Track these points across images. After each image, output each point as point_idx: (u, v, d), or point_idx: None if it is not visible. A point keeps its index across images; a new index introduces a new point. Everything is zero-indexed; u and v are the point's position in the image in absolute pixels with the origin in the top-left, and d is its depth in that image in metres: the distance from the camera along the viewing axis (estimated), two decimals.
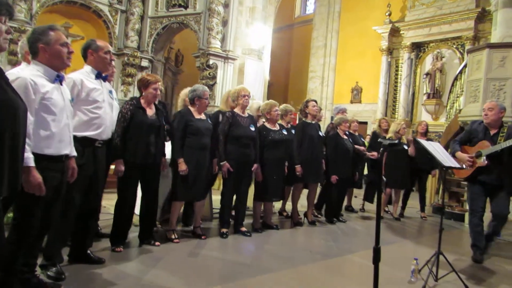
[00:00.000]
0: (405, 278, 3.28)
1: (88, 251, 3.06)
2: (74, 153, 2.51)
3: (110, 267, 3.01)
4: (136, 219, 3.72)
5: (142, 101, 3.51)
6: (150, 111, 3.53)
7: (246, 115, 4.37)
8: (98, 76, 2.97)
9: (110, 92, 3.11)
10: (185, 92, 4.36)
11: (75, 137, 2.60)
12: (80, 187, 2.79)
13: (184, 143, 3.82)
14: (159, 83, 3.59)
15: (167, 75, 13.75)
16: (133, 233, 3.69)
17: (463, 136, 4.19)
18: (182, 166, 3.76)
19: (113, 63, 3.12)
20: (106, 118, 2.97)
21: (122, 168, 3.32)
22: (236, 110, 4.34)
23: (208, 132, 3.98)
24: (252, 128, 4.30)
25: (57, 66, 2.34)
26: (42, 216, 2.22)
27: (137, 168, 3.42)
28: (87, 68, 2.96)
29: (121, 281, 2.77)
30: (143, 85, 3.52)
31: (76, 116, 2.78)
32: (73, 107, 2.63)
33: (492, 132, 3.95)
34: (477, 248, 4.03)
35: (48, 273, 2.66)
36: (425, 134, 6.42)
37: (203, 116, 4.02)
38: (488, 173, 3.88)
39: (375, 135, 6.54)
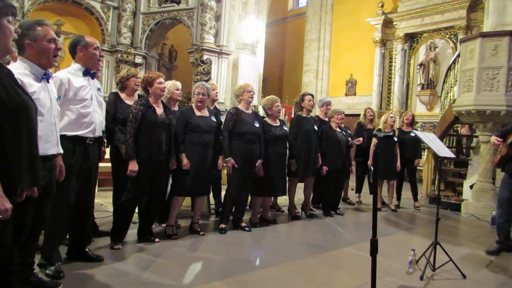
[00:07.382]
0: (403, 269, 3.30)
1: (86, 249, 3.05)
2: (61, 151, 2.47)
3: (109, 264, 3.02)
4: (134, 216, 3.72)
5: (150, 99, 3.53)
6: (159, 110, 3.55)
7: (250, 111, 4.38)
8: (86, 73, 2.91)
9: (98, 89, 3.07)
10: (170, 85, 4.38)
11: (65, 136, 2.58)
12: (72, 185, 2.77)
13: (185, 139, 3.84)
14: (162, 78, 3.62)
15: (161, 71, 13.60)
16: (131, 230, 3.68)
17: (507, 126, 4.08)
18: (184, 161, 3.78)
19: (102, 59, 3.09)
20: (96, 116, 2.92)
21: (136, 168, 3.34)
22: (240, 106, 4.34)
23: (211, 129, 3.99)
24: (257, 124, 4.31)
25: (44, 64, 2.29)
26: (34, 214, 2.20)
27: (149, 166, 3.43)
28: (75, 65, 2.90)
29: (120, 279, 2.77)
30: (148, 83, 3.54)
31: (65, 116, 2.74)
32: (61, 106, 2.59)
33: None
34: (497, 242, 4.01)
35: (47, 271, 2.66)
36: (411, 124, 6.45)
37: (205, 113, 4.02)
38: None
39: (360, 125, 6.60)
